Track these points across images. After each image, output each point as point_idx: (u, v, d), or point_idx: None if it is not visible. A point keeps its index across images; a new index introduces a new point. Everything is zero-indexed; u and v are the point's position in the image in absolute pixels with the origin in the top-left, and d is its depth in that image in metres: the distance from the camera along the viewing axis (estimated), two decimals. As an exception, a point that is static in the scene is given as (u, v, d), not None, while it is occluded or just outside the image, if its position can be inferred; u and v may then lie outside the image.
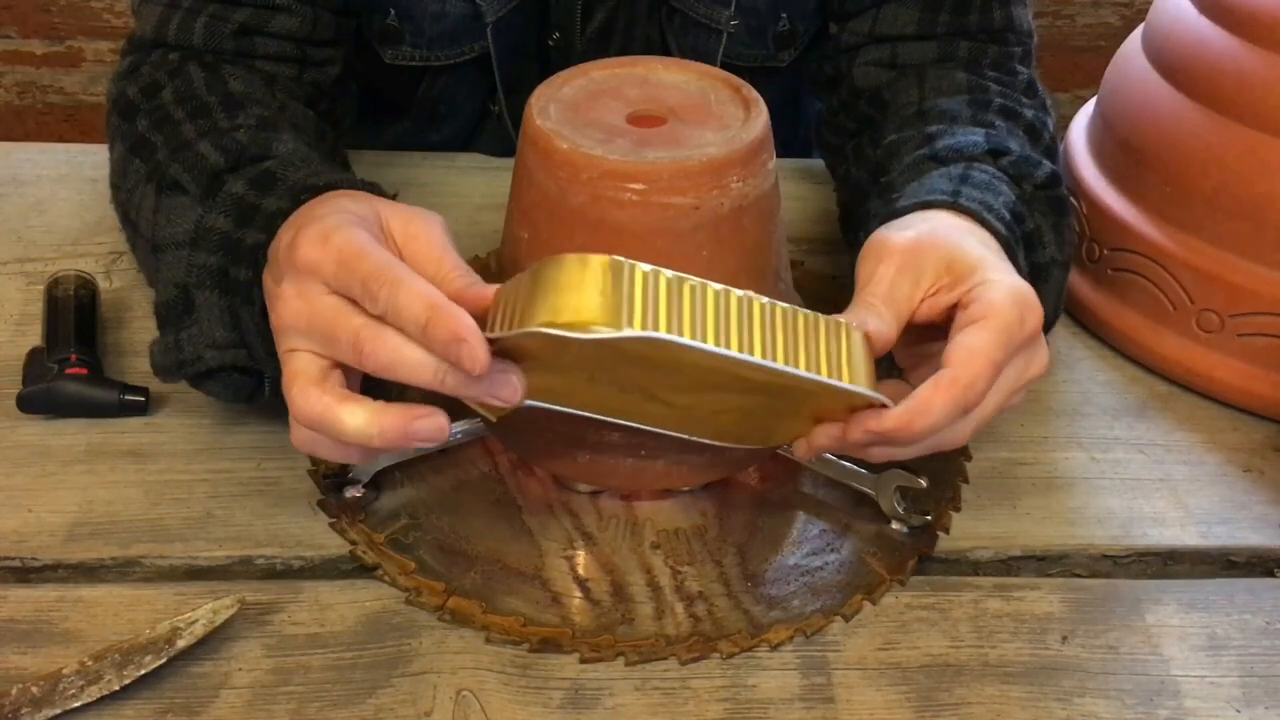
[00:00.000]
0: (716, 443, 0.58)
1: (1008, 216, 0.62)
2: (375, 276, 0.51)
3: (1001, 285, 0.56)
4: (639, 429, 0.57)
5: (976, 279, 0.56)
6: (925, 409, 0.53)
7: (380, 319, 0.52)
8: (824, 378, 0.51)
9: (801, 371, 0.50)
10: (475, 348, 0.49)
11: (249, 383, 0.63)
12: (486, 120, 0.95)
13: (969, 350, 0.54)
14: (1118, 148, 0.78)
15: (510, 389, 0.52)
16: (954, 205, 0.61)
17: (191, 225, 0.61)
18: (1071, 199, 0.71)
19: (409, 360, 0.52)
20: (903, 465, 0.63)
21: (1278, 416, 0.72)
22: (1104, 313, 0.78)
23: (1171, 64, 0.75)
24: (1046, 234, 0.66)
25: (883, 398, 0.53)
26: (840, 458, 0.65)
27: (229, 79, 0.70)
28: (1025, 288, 0.56)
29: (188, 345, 0.61)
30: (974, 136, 0.68)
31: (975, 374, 0.53)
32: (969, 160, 0.66)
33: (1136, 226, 0.75)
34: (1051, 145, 0.73)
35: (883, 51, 0.78)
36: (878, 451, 0.57)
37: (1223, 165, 0.71)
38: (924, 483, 0.63)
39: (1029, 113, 0.73)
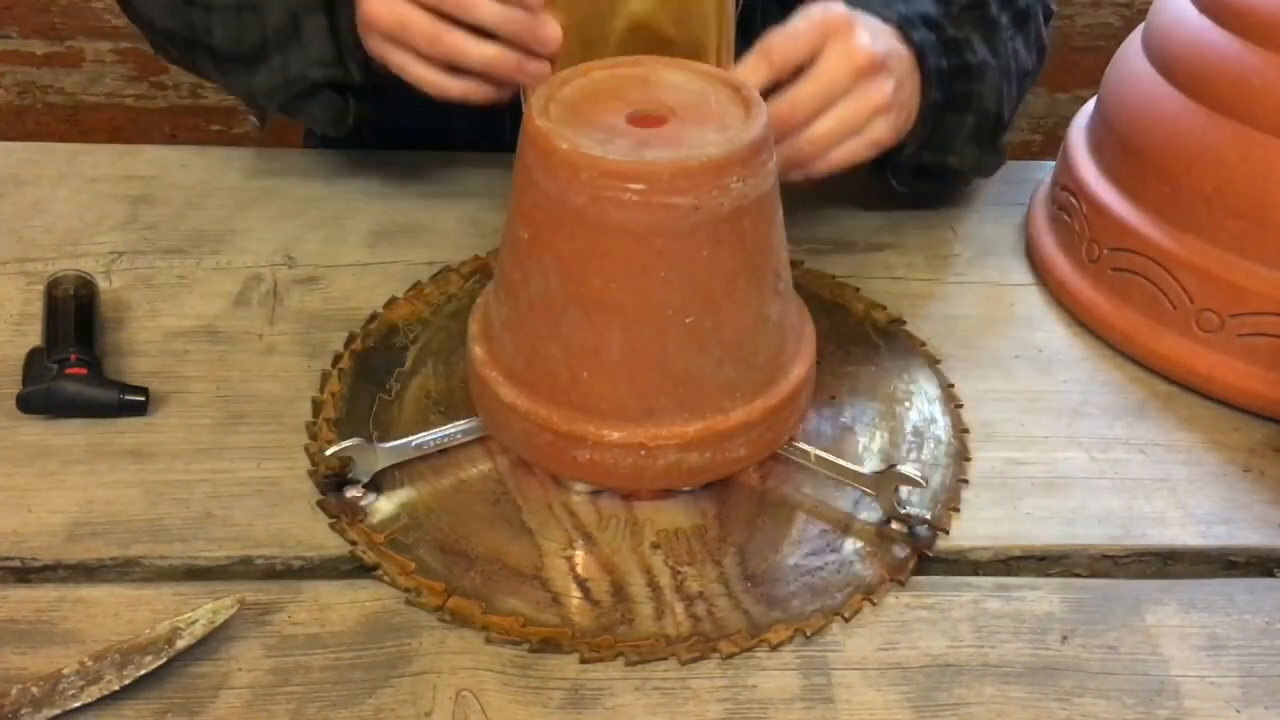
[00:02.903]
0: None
1: (905, 12, 0.73)
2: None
3: (823, 4, 0.69)
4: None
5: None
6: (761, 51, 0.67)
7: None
8: None
9: None
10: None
11: (341, 102, 0.76)
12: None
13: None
14: (1118, 148, 0.78)
15: (554, 31, 0.67)
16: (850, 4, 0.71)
17: None
18: (1014, 25, 0.81)
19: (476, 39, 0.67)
20: (903, 466, 0.63)
21: (1278, 416, 0.72)
22: (1104, 313, 0.78)
23: (1171, 64, 0.75)
24: (975, 42, 0.77)
25: None
26: (840, 457, 0.65)
27: None
28: (846, 11, 0.69)
29: (294, 65, 0.73)
30: None
31: (781, 37, 0.67)
32: None
33: (1136, 226, 0.75)
34: (1026, 11, 0.82)
35: None
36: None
37: (1223, 165, 0.71)
38: (924, 482, 0.63)
39: None
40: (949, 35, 0.76)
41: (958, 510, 0.66)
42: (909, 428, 0.70)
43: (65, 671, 0.54)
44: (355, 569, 0.61)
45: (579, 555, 0.62)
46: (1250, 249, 0.71)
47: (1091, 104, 0.85)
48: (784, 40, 0.67)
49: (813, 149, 0.69)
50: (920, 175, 0.83)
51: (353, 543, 0.62)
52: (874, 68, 0.69)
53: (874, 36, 0.69)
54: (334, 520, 0.63)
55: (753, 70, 0.67)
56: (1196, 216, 0.73)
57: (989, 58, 0.78)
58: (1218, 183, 0.71)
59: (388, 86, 0.75)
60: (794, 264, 0.81)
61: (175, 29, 0.82)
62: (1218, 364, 0.73)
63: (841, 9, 0.69)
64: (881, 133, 0.71)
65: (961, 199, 0.91)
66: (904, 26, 0.73)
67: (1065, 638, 0.60)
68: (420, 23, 0.68)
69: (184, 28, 0.81)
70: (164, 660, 0.55)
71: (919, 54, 0.73)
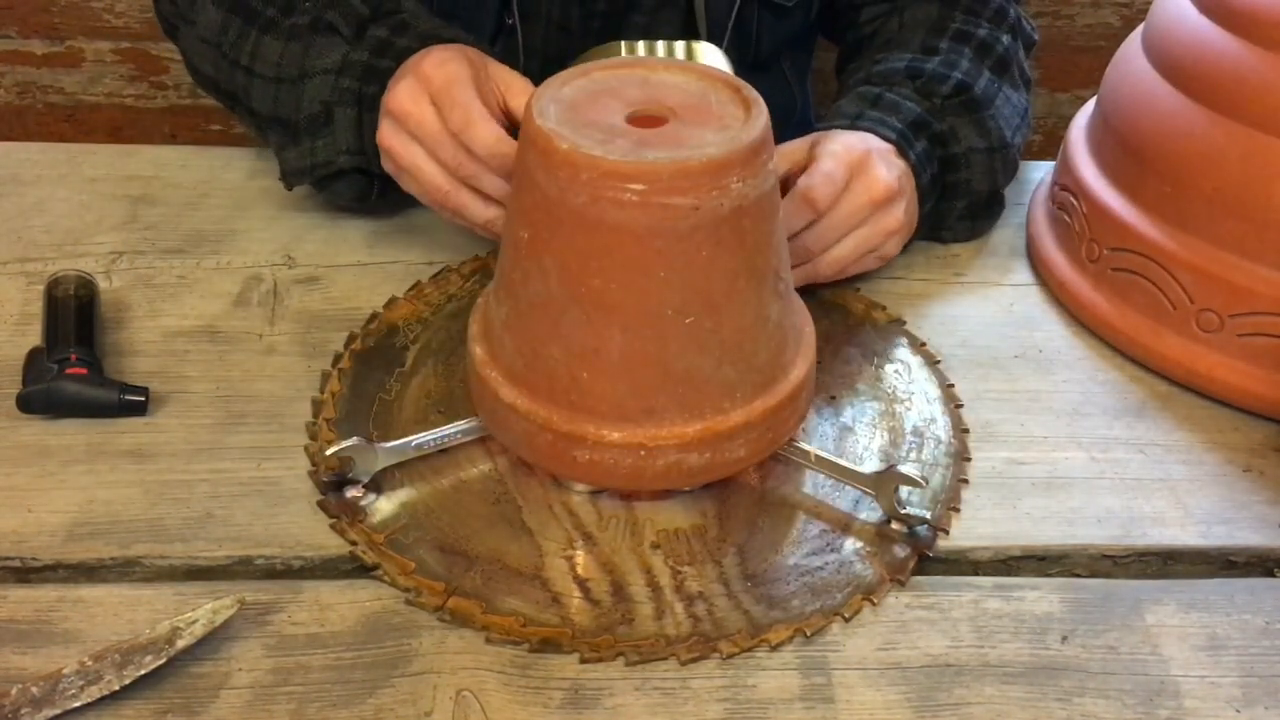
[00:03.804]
0: None
1: (900, 127, 0.78)
2: (460, 105, 0.71)
3: (840, 137, 0.75)
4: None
5: (822, 137, 0.76)
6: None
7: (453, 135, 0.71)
8: None
9: None
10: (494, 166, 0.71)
11: (365, 182, 0.81)
12: (500, 34, 0.96)
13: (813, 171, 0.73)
14: (1118, 148, 0.78)
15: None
16: (852, 127, 0.78)
17: (340, 57, 0.78)
18: (1002, 96, 0.84)
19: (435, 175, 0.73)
20: (903, 466, 0.63)
21: (1278, 416, 0.72)
22: (1104, 313, 0.78)
23: (1171, 64, 0.75)
24: (963, 129, 0.81)
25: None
26: (840, 457, 0.65)
27: None
28: (861, 142, 0.75)
29: (322, 151, 0.79)
30: (898, 63, 0.83)
31: (820, 180, 0.72)
32: (887, 84, 0.82)
33: (1136, 226, 0.75)
34: (1005, 56, 0.86)
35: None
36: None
37: (1223, 165, 0.71)
38: (924, 482, 0.63)
39: (982, 31, 0.86)
40: (935, 131, 0.80)
41: (958, 510, 0.66)
42: (909, 428, 0.70)
43: (65, 671, 0.54)
44: (355, 569, 0.61)
45: (579, 555, 0.62)
46: (1250, 249, 0.71)
47: (1091, 104, 0.85)
48: (822, 184, 0.72)
49: (830, 269, 0.76)
50: None
51: (353, 543, 0.62)
52: (890, 198, 0.75)
53: (888, 165, 0.75)
54: (334, 520, 0.63)
55: (798, 214, 0.73)
56: (1196, 216, 0.73)
57: (976, 142, 0.82)
58: (1218, 183, 0.71)
59: None
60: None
61: (219, 81, 0.86)
62: (1218, 364, 0.73)
63: (857, 141, 0.75)
64: (892, 250, 0.77)
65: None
66: (901, 145, 0.77)
67: (1065, 638, 0.60)
68: (434, 179, 0.73)
69: (227, 82, 0.85)
70: (164, 660, 0.55)
71: (915, 170, 0.78)
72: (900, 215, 0.76)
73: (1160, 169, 0.74)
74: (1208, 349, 0.73)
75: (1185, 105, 0.73)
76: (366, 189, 0.82)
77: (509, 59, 0.94)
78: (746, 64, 0.92)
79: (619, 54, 0.77)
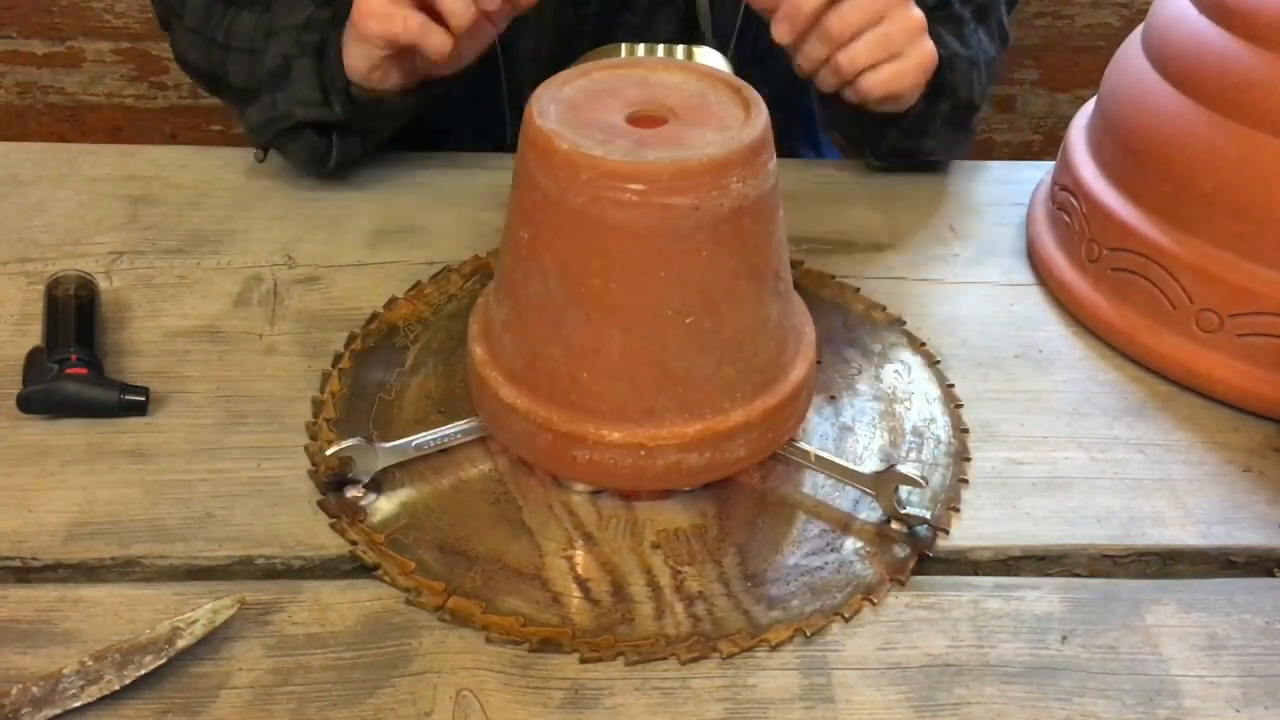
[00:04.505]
0: None
1: None
2: None
3: None
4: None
5: None
6: None
7: None
8: None
9: None
10: None
11: (322, 144, 0.83)
12: None
13: None
14: (1118, 148, 0.78)
15: None
16: None
17: (305, 16, 0.81)
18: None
19: None
20: (903, 466, 0.63)
21: (1278, 416, 0.72)
22: (1104, 313, 0.78)
23: (1171, 64, 0.75)
24: (947, 36, 0.84)
25: None
26: (840, 457, 0.65)
27: None
28: None
29: (282, 103, 0.81)
30: None
31: None
32: None
33: (1136, 226, 0.75)
34: (986, 4, 0.90)
35: None
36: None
37: (1223, 165, 0.71)
38: (924, 482, 0.63)
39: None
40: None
41: (958, 510, 0.66)
42: (909, 428, 0.70)
43: (65, 671, 0.54)
44: (355, 569, 0.62)
45: (579, 555, 0.62)
46: (1250, 249, 0.71)
47: (1091, 104, 0.85)
48: None
49: (850, 67, 0.77)
50: (897, 155, 0.90)
51: (353, 543, 0.62)
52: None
53: None
54: (334, 520, 0.63)
55: None
56: (1196, 216, 0.73)
57: (959, 48, 0.85)
58: (1218, 183, 0.71)
59: (371, 124, 0.84)
60: (794, 264, 0.81)
61: (203, 67, 0.88)
62: (1218, 364, 0.73)
63: None
64: (913, 61, 0.78)
65: (962, 199, 0.91)
66: None
67: (1065, 638, 0.60)
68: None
69: (208, 64, 0.87)
70: (164, 660, 0.55)
71: None
72: (921, 15, 0.77)
73: (1160, 169, 0.74)
74: (1207, 349, 0.73)
75: (1185, 105, 0.73)
76: (324, 151, 0.83)
77: (489, 63, 0.95)
78: (745, 57, 0.92)
79: (619, 55, 0.77)
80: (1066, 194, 0.82)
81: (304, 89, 0.81)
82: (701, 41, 0.90)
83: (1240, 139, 0.70)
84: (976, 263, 0.85)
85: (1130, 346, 0.77)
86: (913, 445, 0.69)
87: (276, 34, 0.82)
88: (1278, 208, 0.70)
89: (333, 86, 0.81)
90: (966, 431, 0.71)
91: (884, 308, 0.79)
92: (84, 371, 0.68)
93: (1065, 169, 0.83)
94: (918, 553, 0.63)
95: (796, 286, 0.66)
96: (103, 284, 0.77)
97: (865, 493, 0.65)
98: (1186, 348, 0.74)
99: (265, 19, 0.84)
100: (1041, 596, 0.62)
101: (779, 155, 0.60)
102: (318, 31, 0.81)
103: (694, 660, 0.58)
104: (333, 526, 0.63)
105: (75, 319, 0.72)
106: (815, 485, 0.66)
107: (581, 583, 0.61)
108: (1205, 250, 0.72)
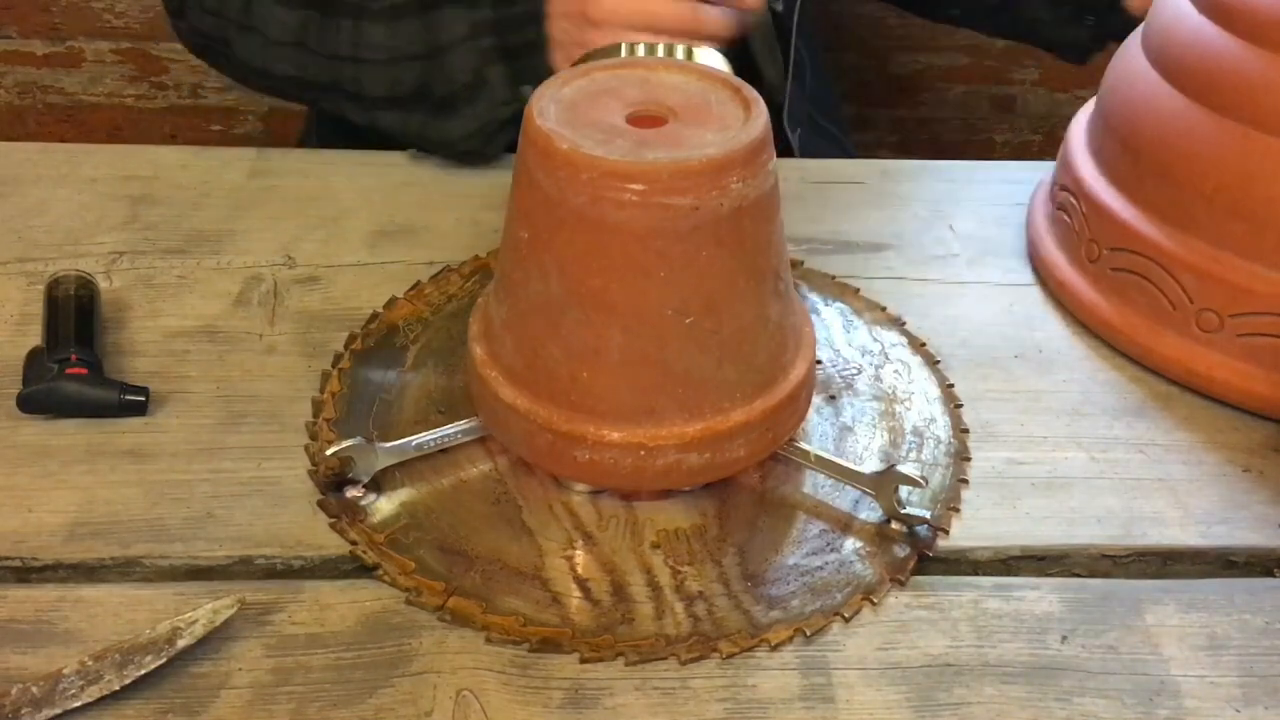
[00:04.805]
0: None
1: None
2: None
3: None
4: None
5: None
6: None
7: None
8: None
9: None
10: None
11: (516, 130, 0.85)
12: None
13: None
14: (1118, 148, 0.78)
15: None
16: None
17: (468, 26, 0.82)
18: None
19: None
20: (903, 466, 0.63)
21: (1277, 416, 0.72)
22: (1104, 313, 0.78)
23: (1171, 64, 0.75)
24: None
25: None
26: (840, 457, 0.65)
27: None
28: None
29: (485, 112, 0.83)
30: None
31: None
32: None
33: (1136, 226, 0.75)
34: None
35: None
36: None
37: (1223, 165, 0.71)
38: (924, 482, 0.63)
39: None
40: None
41: (958, 510, 0.66)
42: (909, 428, 0.70)
43: (65, 671, 0.54)
44: (355, 569, 0.62)
45: (579, 555, 0.62)
46: (1250, 249, 0.71)
47: (1091, 104, 0.85)
48: None
49: None
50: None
51: (353, 543, 0.62)
52: None
53: None
54: (334, 520, 0.63)
55: None
56: (1196, 216, 0.73)
57: None
58: (1218, 183, 0.71)
59: None
60: (794, 264, 0.81)
61: (305, 77, 0.89)
62: (1218, 364, 0.73)
63: None
64: None
65: (962, 199, 0.91)
66: None
67: (1065, 638, 0.60)
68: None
69: (320, 75, 0.88)
70: (164, 660, 0.55)
71: None
72: None
73: (1160, 169, 0.74)
74: (1208, 349, 0.73)
75: (1185, 105, 0.73)
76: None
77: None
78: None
79: (619, 55, 0.77)
80: (1066, 194, 0.82)
81: (501, 91, 0.83)
82: None
83: (1240, 139, 0.70)
84: (976, 263, 0.85)
85: (1130, 346, 0.77)
86: (913, 445, 0.69)
87: (447, 51, 0.83)
88: (1278, 208, 0.70)
89: (529, 81, 0.82)
90: (966, 431, 0.71)
91: (884, 308, 0.79)
92: (84, 371, 0.68)
93: (1065, 169, 0.83)
94: (918, 553, 0.63)
95: (796, 286, 0.66)
96: (103, 284, 0.77)
97: (865, 493, 0.65)
98: (1186, 348, 0.74)
99: (404, 29, 0.84)
100: (1041, 596, 0.62)
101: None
102: (491, 33, 0.82)
103: (694, 660, 0.58)
104: (333, 526, 0.63)
105: (75, 319, 0.72)
106: (815, 485, 0.66)
107: (581, 583, 0.61)
108: (1205, 250, 0.72)
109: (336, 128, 1.00)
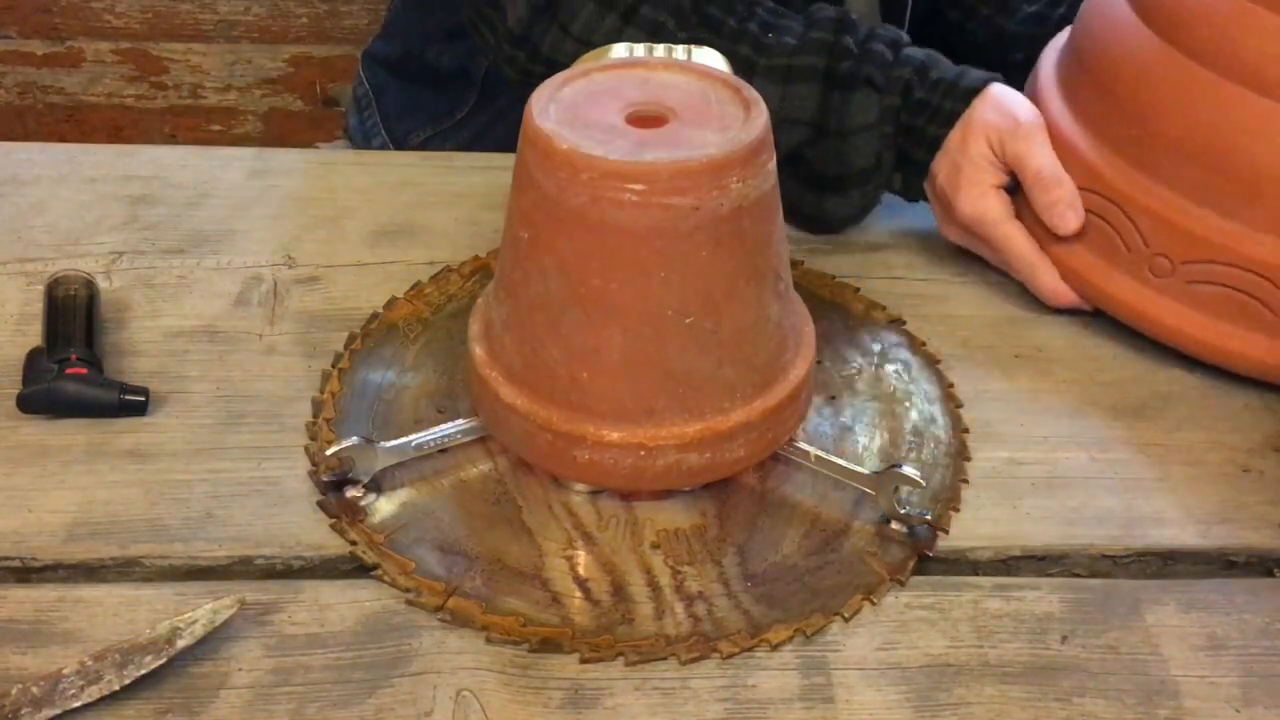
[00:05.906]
0: None
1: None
2: (999, 243, 0.80)
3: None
4: None
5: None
6: None
7: None
8: None
9: None
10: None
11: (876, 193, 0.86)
12: None
13: None
14: (1087, 83, 0.77)
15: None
16: None
17: (877, 111, 0.82)
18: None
19: None
20: (903, 466, 0.63)
21: (1218, 363, 0.73)
22: (1057, 252, 0.77)
23: (1150, 7, 0.74)
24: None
25: None
26: (840, 457, 0.65)
27: None
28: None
29: (872, 195, 0.85)
30: None
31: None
32: None
33: (1098, 166, 0.75)
34: None
35: None
36: None
37: (1192, 112, 0.71)
38: (924, 482, 0.63)
39: None
40: None
41: (958, 510, 0.66)
42: (909, 428, 0.70)
43: (65, 671, 0.54)
44: (355, 569, 0.62)
45: (579, 555, 0.62)
46: (1209, 198, 0.71)
47: (1063, 37, 0.84)
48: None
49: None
50: None
51: (353, 543, 0.62)
52: None
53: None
54: (334, 520, 0.63)
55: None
56: (1159, 161, 0.72)
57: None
58: (1184, 129, 0.71)
59: None
60: (794, 264, 0.81)
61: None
62: (1166, 309, 0.73)
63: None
64: None
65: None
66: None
67: (1065, 638, 0.60)
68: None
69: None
70: (164, 660, 0.55)
71: None
72: None
73: (1128, 110, 0.74)
74: (1156, 293, 0.73)
75: (1159, 48, 0.72)
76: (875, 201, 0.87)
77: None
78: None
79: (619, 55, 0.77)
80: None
81: (887, 177, 0.84)
82: None
83: (1212, 88, 0.70)
84: (977, 262, 0.84)
85: (1080, 284, 0.77)
86: (913, 445, 0.69)
87: (855, 133, 0.82)
88: (1242, 159, 0.69)
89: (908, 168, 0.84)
90: (966, 431, 0.71)
91: (884, 308, 0.79)
92: (84, 371, 0.68)
93: (1034, 99, 0.81)
94: (918, 553, 0.63)
95: (796, 286, 0.66)
96: (103, 284, 0.77)
97: (865, 493, 0.65)
98: (1136, 290, 0.74)
99: (801, 93, 0.82)
100: (1041, 596, 0.62)
101: None
102: (892, 122, 0.82)
103: (694, 660, 0.58)
104: (333, 526, 0.63)
105: (75, 319, 0.72)
106: (815, 485, 0.66)
107: (581, 583, 0.61)
108: (1165, 195, 0.72)
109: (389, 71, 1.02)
